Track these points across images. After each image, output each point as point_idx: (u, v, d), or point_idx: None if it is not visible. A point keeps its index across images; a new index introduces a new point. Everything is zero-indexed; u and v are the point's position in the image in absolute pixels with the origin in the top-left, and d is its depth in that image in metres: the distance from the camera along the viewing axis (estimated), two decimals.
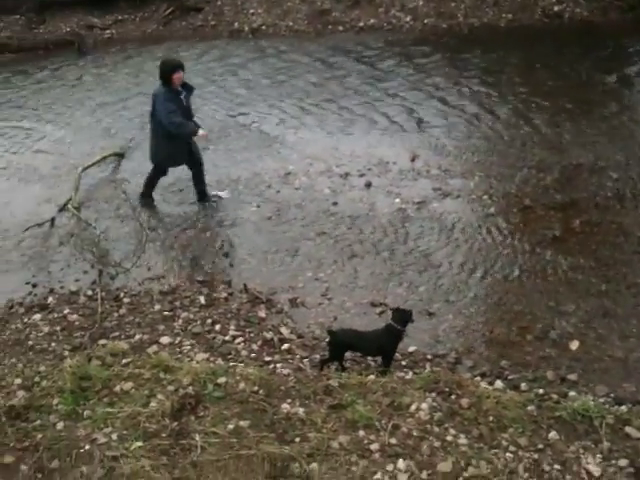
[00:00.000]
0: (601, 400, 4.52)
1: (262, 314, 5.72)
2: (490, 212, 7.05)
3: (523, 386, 4.71)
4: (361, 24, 13.44)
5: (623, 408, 4.35)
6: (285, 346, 5.25)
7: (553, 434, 3.93)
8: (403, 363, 5.07)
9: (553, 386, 4.72)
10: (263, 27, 13.92)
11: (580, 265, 6.08)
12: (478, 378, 4.83)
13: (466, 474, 3.65)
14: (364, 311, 5.76)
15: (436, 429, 3.99)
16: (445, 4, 13.38)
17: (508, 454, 3.77)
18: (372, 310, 5.77)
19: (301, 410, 4.18)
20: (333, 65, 11.72)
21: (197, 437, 3.95)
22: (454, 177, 7.79)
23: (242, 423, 4.08)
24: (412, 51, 11.98)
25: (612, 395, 4.64)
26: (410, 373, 4.85)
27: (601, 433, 3.93)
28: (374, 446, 3.86)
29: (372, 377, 4.55)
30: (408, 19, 13.40)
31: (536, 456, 3.77)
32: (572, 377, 4.84)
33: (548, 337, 5.29)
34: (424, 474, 3.67)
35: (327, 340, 5.06)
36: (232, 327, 5.50)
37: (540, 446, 3.84)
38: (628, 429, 4.00)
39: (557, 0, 12.91)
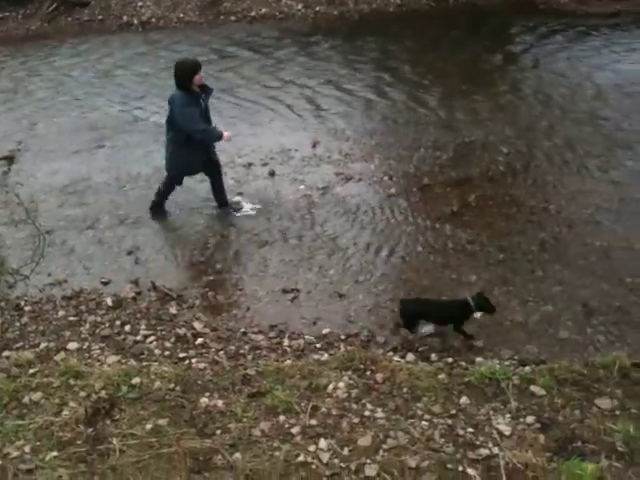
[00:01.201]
0: (506, 363, 4.76)
1: (173, 311, 5.63)
2: (391, 192, 7.23)
3: (433, 357, 4.89)
4: (253, 13, 13.39)
5: (527, 369, 4.59)
6: (199, 340, 5.19)
7: (464, 399, 4.13)
8: (318, 345, 5.13)
9: (461, 354, 4.93)
10: (153, 20, 13.59)
11: (478, 237, 6.35)
12: (391, 353, 4.97)
13: (385, 446, 3.78)
14: (276, 299, 5.79)
15: (354, 406, 4.10)
16: None
17: (424, 422, 3.93)
18: (284, 297, 5.81)
19: (220, 402, 4.18)
20: (228, 55, 11.62)
21: (114, 441, 3.88)
22: (355, 161, 7.93)
23: (160, 421, 4.03)
24: (306, 39, 12.06)
25: (516, 357, 4.90)
26: (326, 355, 4.91)
27: (508, 394, 4.16)
28: (295, 429, 3.92)
29: (289, 362, 4.60)
30: (300, 7, 13.47)
31: (450, 421, 3.95)
32: (478, 344, 5.07)
33: None
34: (345, 451, 3.76)
35: (399, 310, 5.25)
36: (143, 327, 5.38)
37: (453, 412, 4.02)
38: (533, 388, 4.25)
39: None
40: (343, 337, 5.31)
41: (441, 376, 4.34)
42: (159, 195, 7.06)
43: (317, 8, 13.35)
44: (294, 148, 8.27)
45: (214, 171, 7.01)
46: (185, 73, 6.33)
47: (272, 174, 7.74)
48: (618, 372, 4.38)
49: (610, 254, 6.07)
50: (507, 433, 3.83)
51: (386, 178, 7.53)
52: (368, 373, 4.38)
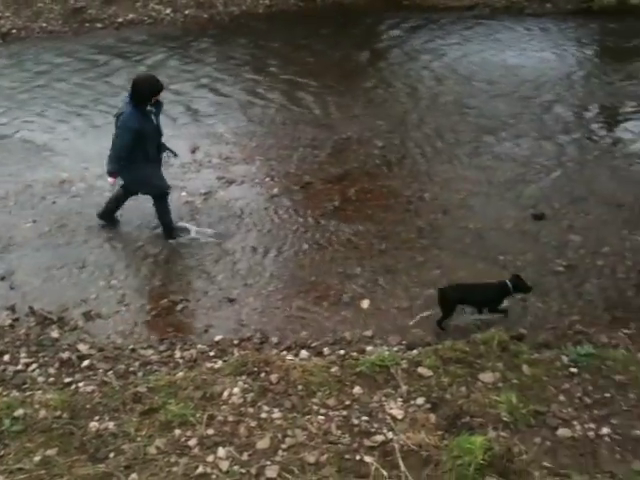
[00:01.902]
0: (395, 349, 4.92)
1: (55, 334, 5.35)
2: (274, 193, 7.26)
3: (326, 351, 4.97)
4: (120, 20, 12.95)
5: (415, 352, 4.76)
6: (85, 363, 4.96)
7: (357, 389, 4.22)
8: (211, 353, 5.07)
9: (352, 345, 5.04)
10: (14, 31, 12.82)
11: (360, 230, 6.52)
12: (284, 352, 5.00)
13: (284, 445, 3.80)
14: (166, 311, 5.67)
15: (250, 410, 4.08)
16: None
17: (320, 417, 3.98)
18: (174, 308, 5.70)
19: (111, 424, 4.04)
20: (96, 64, 11.18)
21: (0, 478, 3.65)
22: (236, 164, 7.90)
23: (49, 452, 3.84)
24: (178, 43, 11.84)
25: (404, 342, 5.07)
26: (219, 362, 4.86)
27: (398, 379, 4.29)
28: (192, 441, 3.86)
29: (181, 374, 4.51)
30: (168, 11, 13.19)
31: (345, 412, 4.02)
32: (368, 333, 5.21)
33: (341, 301, 5.63)
34: (245, 456, 3.74)
35: (438, 299, 5.28)
36: (23, 355, 5.08)
37: (347, 402, 4.10)
38: (420, 369, 4.40)
39: None
40: (236, 342, 5.28)
41: (334, 369, 4.42)
42: (112, 203, 6.75)
43: (186, 12, 13.14)
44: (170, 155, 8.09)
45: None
46: (146, 92, 5.96)
47: None
48: (498, 346, 4.62)
49: (483, 235, 6.41)
50: (400, 417, 3.96)
51: (268, 179, 7.56)
52: (262, 375, 4.37)
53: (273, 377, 4.32)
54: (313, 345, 5.13)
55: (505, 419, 3.92)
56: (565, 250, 6.20)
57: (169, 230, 6.60)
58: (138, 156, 6.15)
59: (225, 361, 4.85)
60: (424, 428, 3.83)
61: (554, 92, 9.16)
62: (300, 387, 4.24)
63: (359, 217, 6.73)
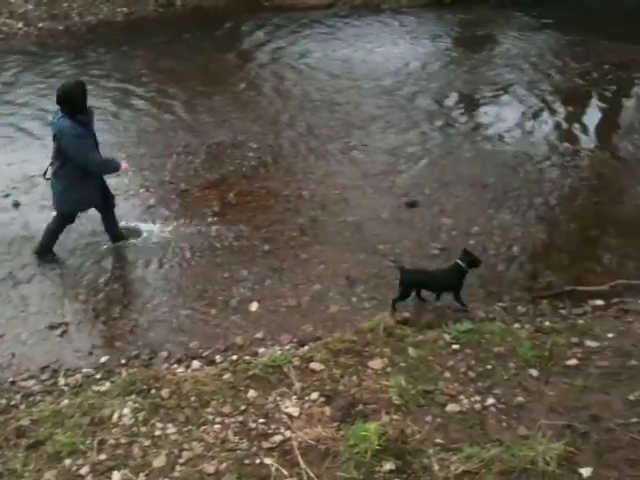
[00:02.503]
0: (287, 347, 4.96)
1: None
2: (151, 204, 7.08)
3: (218, 358, 4.92)
4: None
5: (306, 348, 4.83)
6: None
7: (252, 392, 4.21)
8: (98, 376, 4.87)
9: (244, 349, 5.02)
10: None
11: (243, 233, 6.50)
12: (175, 365, 4.90)
13: (182, 460, 3.73)
14: (43, 337, 5.37)
15: (143, 429, 3.97)
16: (57, 5, 12.80)
17: (216, 426, 3.94)
18: (52, 333, 5.41)
19: None
20: None
21: None
22: (107, 177, 7.59)
23: None
24: (33, 58, 11.24)
25: (295, 340, 5.12)
26: (107, 383, 4.69)
27: (291, 377, 4.33)
28: (84, 470, 3.71)
29: (66, 402, 4.31)
30: (20, 25, 12.51)
31: (241, 418, 4.00)
32: (259, 335, 5.21)
33: (230, 306, 5.59)
34: (141, 477, 3.63)
35: (398, 279, 5.30)
36: None
37: (243, 407, 4.09)
38: (312, 365, 4.47)
39: None
40: (124, 361, 5.11)
41: (226, 376, 4.39)
42: (47, 237, 6.26)
43: (40, 25, 12.51)
44: (37, 173, 7.67)
45: (109, 202, 6.35)
46: (77, 97, 5.61)
47: (16, 205, 7.14)
48: (384, 332, 4.78)
49: (361, 227, 6.58)
50: (296, 414, 3.99)
51: (142, 190, 7.35)
52: (153, 392, 4.27)
53: (164, 392, 4.22)
54: (204, 354, 5.06)
55: (396, 402, 4.05)
56: (439, 233, 6.49)
57: (43, 254, 6.28)
58: (75, 171, 5.82)
59: (113, 382, 4.69)
60: (320, 422, 3.88)
61: (416, 84, 9.56)
62: (193, 399, 4.17)
63: (241, 220, 6.71)
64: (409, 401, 4.07)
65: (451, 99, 9.21)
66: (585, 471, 3.44)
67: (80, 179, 5.88)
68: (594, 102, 9.24)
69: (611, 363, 4.53)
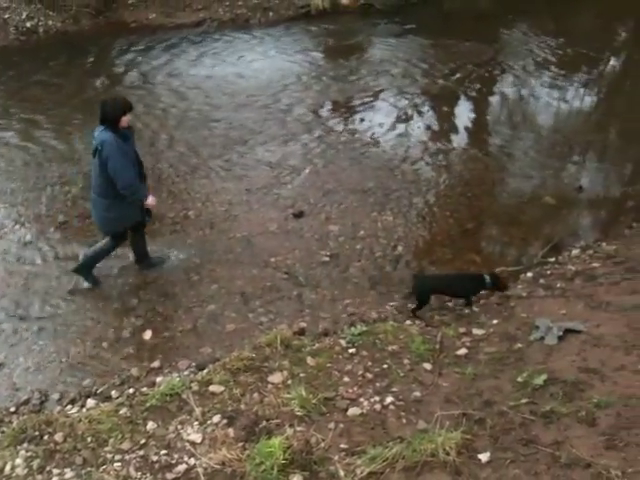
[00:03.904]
0: (186, 373, 4.86)
1: None
2: (27, 240, 6.74)
3: (114, 393, 4.75)
4: None
5: (205, 371, 4.76)
6: None
7: (151, 424, 4.10)
8: None
9: (141, 380, 4.89)
10: None
11: (130, 261, 6.32)
12: (69, 406, 4.70)
13: None
14: None
15: (39, 477, 3.80)
16: None
17: (116, 464, 3.81)
18: None
19: None
20: None
21: None
22: None
23: None
24: None
25: (194, 364, 5.03)
26: None
27: (191, 402, 4.25)
28: None
29: None
30: None
31: (142, 452, 3.89)
32: (155, 364, 5.09)
33: (122, 338, 5.42)
34: None
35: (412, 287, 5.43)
36: None
37: (143, 441, 3.97)
38: (212, 387, 4.42)
39: (27, 16, 12.65)
40: (13, 409, 4.84)
41: (123, 411, 4.24)
42: (95, 257, 6.03)
43: None
44: None
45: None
46: (114, 111, 5.48)
47: None
48: (282, 345, 4.80)
49: (251, 242, 6.60)
50: (199, 440, 3.93)
51: (17, 226, 6.98)
52: (46, 437, 4.06)
53: (58, 436, 4.03)
54: (99, 391, 4.88)
55: (299, 414, 4.08)
56: (327, 241, 6.62)
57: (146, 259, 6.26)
58: (114, 191, 5.62)
59: (3, 432, 4.42)
60: (224, 444, 3.84)
61: (291, 96, 9.67)
62: (89, 439, 4.01)
63: (127, 248, 6.51)
64: (311, 411, 4.11)
65: (326, 109, 9.40)
66: (483, 456, 3.59)
67: (120, 196, 5.68)
68: (461, 102, 9.72)
69: (498, 348, 4.79)
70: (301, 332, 5.20)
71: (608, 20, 12.70)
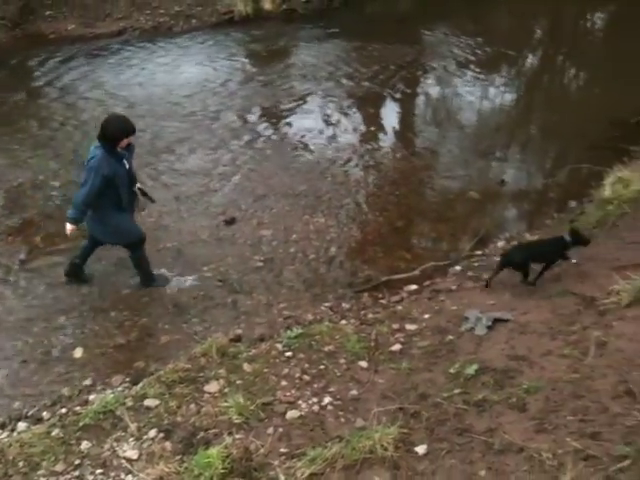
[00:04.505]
0: (120, 389, 4.75)
1: None
2: None
3: (45, 415, 4.58)
4: None
5: (140, 385, 4.67)
6: None
7: (85, 444, 4.00)
8: None
9: (73, 399, 4.74)
10: None
11: (58, 278, 6.12)
12: None
13: None
14: None
15: None
16: None
17: None
18: None
19: None
20: None
21: None
22: None
23: None
24: None
25: (128, 379, 4.91)
26: None
27: (126, 419, 4.16)
28: None
29: None
30: None
31: (77, 473, 3.80)
32: (87, 382, 4.94)
33: (51, 357, 5.25)
34: None
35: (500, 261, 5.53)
36: None
37: (77, 462, 3.87)
38: (147, 402, 4.34)
39: None
40: None
41: (55, 432, 4.12)
42: (143, 272, 6.03)
43: None
44: None
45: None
46: (117, 134, 5.37)
47: None
48: (218, 353, 4.77)
49: (183, 251, 6.51)
50: (135, 457, 3.85)
51: None
52: None
53: None
54: (30, 413, 4.69)
55: (237, 421, 4.05)
56: (260, 246, 6.60)
57: (146, 281, 6.07)
58: (107, 203, 5.55)
59: None
60: (162, 459, 3.78)
61: (218, 102, 9.59)
62: (21, 464, 3.87)
63: (52, 263, 6.32)
64: (250, 417, 4.09)
65: (254, 114, 9.37)
66: (420, 449, 3.66)
67: (113, 210, 5.63)
68: (386, 103, 9.87)
69: (431, 341, 4.90)
70: (237, 339, 5.17)
71: (523, 19, 13.16)
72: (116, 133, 5.38)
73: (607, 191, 6.28)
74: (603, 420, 3.56)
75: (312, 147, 8.48)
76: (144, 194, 5.95)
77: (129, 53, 11.52)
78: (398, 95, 10.05)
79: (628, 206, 6.01)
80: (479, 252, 6.39)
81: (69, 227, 5.58)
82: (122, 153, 5.52)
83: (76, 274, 6.11)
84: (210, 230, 6.86)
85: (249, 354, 4.80)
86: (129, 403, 4.30)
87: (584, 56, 11.73)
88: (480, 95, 10.12)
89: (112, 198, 5.55)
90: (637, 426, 3.43)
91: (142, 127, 8.91)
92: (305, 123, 9.08)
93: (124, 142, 5.43)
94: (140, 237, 5.89)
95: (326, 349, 4.83)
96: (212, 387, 4.39)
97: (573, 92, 10.74)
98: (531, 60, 11.93)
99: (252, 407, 4.14)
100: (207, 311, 5.71)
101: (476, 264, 6.13)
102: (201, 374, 4.53)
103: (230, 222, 6.94)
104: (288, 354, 4.78)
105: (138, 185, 5.86)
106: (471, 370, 4.30)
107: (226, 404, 4.18)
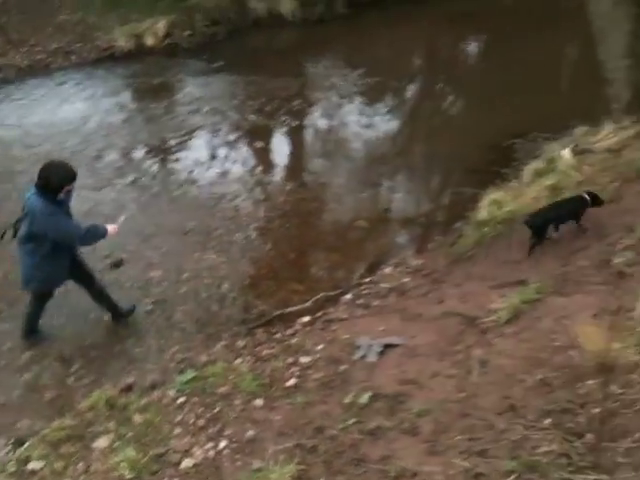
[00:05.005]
0: (2, 453, 4.47)
1: None
2: None
3: None
4: None
5: (25, 446, 4.40)
6: None
7: None
8: None
9: None
10: None
11: None
12: None
13: None
14: None
15: None
16: None
17: None
18: None
19: None
20: None
21: None
22: None
23: None
24: None
25: (11, 442, 4.63)
26: None
27: None
28: None
29: None
30: None
31: None
32: None
33: None
34: None
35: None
36: None
37: None
38: (31, 465, 4.11)
39: None
40: None
41: None
42: (30, 320, 5.73)
43: None
44: None
45: (87, 276, 5.85)
46: (59, 182, 5.19)
47: None
48: (106, 406, 4.58)
49: (66, 299, 6.19)
50: None
51: None
52: None
53: None
54: None
55: (129, 477, 3.90)
56: (150, 288, 6.45)
57: (29, 333, 5.78)
58: (46, 247, 5.28)
59: None
60: None
61: (100, 141, 9.33)
62: None
63: None
64: (142, 471, 3.96)
65: (139, 152, 9.19)
66: None
67: (51, 257, 5.37)
68: (274, 135, 9.96)
69: (325, 373, 4.93)
70: (128, 388, 5.01)
71: (400, 49, 13.70)
72: (61, 181, 5.24)
73: (483, 213, 6.59)
74: (490, 437, 3.69)
75: (200, 182, 8.41)
76: None
77: (4, 93, 11.05)
78: (285, 127, 10.15)
79: (502, 226, 6.33)
80: (367, 279, 6.52)
81: (111, 228, 5.69)
82: (61, 199, 5.36)
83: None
84: (96, 274, 6.60)
85: (140, 404, 4.64)
86: (11, 469, 4.05)
87: (461, 84, 12.30)
88: (365, 125, 10.38)
89: (48, 246, 5.35)
90: (521, 440, 3.59)
91: (20, 170, 8.60)
92: (193, 158, 9.01)
93: (66, 189, 5.29)
94: (51, 288, 5.74)
95: (220, 391, 4.76)
96: (101, 442, 4.21)
97: (453, 118, 11.23)
98: (412, 89, 12.39)
99: (144, 460, 4.01)
100: (94, 361, 5.50)
101: (365, 291, 6.25)
102: (89, 429, 4.34)
103: (117, 265, 6.74)
104: (181, 400, 4.67)
105: None
106: (364, 399, 4.36)
107: (117, 459, 4.02)
